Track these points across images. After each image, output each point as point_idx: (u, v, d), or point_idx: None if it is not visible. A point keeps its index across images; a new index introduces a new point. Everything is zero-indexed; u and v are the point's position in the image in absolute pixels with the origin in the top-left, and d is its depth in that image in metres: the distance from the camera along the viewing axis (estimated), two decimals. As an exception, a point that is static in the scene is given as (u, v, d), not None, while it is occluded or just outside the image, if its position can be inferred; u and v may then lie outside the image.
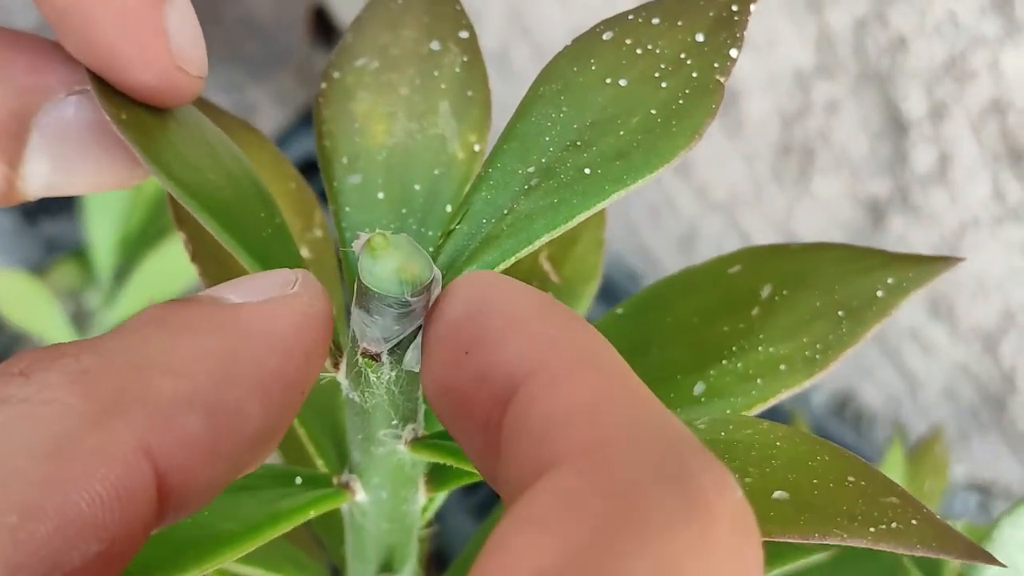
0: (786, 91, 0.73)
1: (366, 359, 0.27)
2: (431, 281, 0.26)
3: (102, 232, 0.86)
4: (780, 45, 0.71)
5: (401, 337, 0.26)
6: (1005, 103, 0.62)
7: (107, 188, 0.28)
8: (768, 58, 0.72)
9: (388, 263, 0.25)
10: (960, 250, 0.69)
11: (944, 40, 0.63)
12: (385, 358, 0.27)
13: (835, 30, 0.68)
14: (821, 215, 0.77)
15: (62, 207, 1.00)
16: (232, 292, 0.24)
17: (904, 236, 0.72)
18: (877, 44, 0.66)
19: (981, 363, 0.73)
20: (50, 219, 1.00)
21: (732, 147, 0.80)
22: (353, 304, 0.26)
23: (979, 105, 0.63)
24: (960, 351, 0.74)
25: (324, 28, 1.04)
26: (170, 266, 0.84)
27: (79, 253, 0.90)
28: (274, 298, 0.24)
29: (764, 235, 0.82)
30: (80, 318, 0.88)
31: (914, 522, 0.24)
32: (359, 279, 0.26)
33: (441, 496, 0.35)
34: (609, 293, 0.85)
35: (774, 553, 0.37)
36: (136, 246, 0.86)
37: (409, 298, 0.25)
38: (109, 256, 0.87)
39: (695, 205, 0.86)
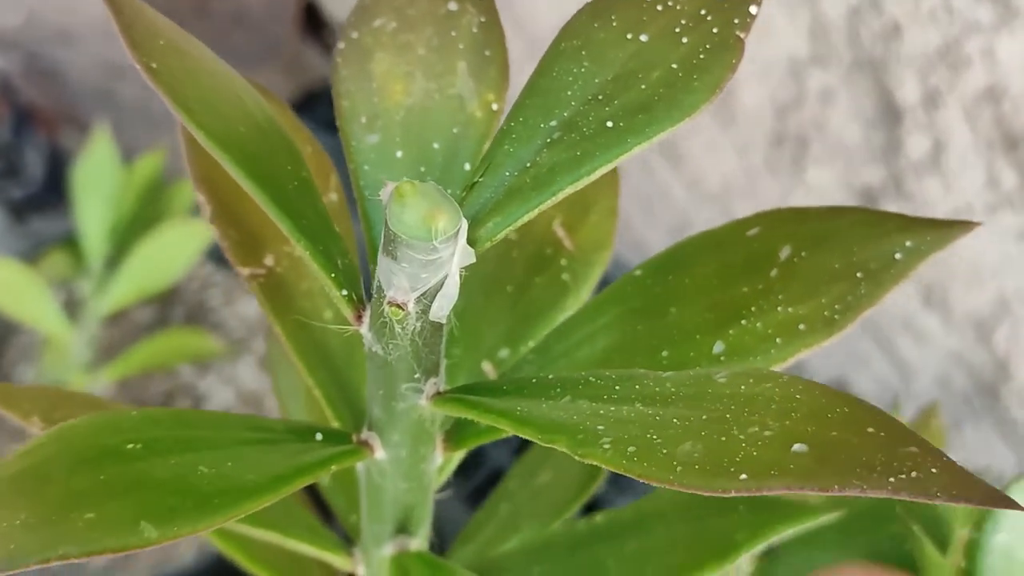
0: (779, 80, 0.74)
1: (393, 308, 0.27)
2: (458, 228, 0.26)
3: (93, 220, 0.86)
4: (773, 34, 0.71)
5: (428, 286, 0.27)
6: (999, 90, 0.62)
7: None
8: (761, 47, 0.73)
9: (416, 209, 0.25)
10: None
11: (938, 27, 0.63)
12: (412, 307, 0.27)
13: (829, 18, 0.69)
14: (815, 204, 0.77)
15: (52, 204, 0.99)
16: None
17: (897, 224, 0.72)
18: (871, 31, 0.67)
19: (975, 351, 0.73)
20: (39, 216, 1.00)
21: (725, 137, 0.80)
22: (380, 253, 0.27)
23: (973, 92, 0.64)
24: (953, 339, 0.74)
25: (314, 22, 1.04)
26: (162, 253, 0.83)
27: (70, 242, 0.90)
28: None
29: (757, 224, 0.82)
30: (72, 307, 0.88)
31: (934, 471, 0.24)
32: (387, 226, 0.26)
33: (458, 457, 0.35)
34: (602, 285, 0.85)
35: (785, 513, 0.37)
36: (127, 234, 0.86)
37: (437, 244, 0.26)
38: (100, 244, 0.86)
39: (688, 196, 0.86)
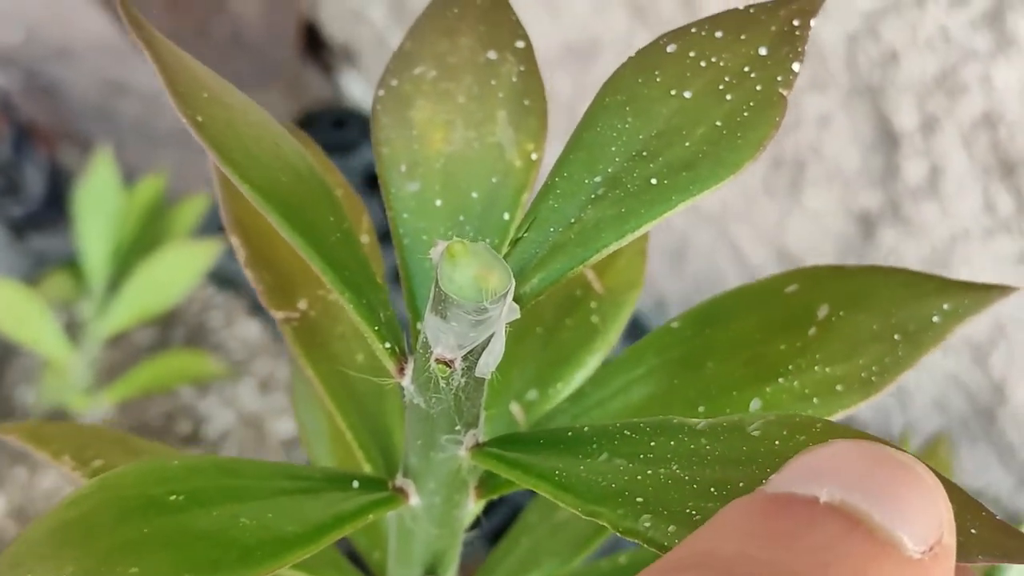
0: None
1: (440, 365, 0.27)
2: (508, 289, 0.26)
3: (94, 242, 0.86)
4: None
5: (475, 344, 0.27)
6: (996, 116, 0.63)
7: None
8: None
9: (467, 270, 0.26)
10: (950, 263, 0.70)
11: (936, 54, 0.64)
12: (458, 364, 0.27)
13: (827, 44, 0.69)
14: (812, 228, 0.78)
15: (52, 221, 0.99)
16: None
17: (895, 249, 0.73)
18: (869, 58, 0.67)
19: (971, 374, 0.74)
20: (39, 234, 0.99)
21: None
22: (428, 311, 0.27)
23: (970, 118, 0.64)
24: (950, 362, 0.75)
25: (314, 43, 1.04)
26: (163, 275, 0.83)
27: (71, 264, 0.90)
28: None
29: (755, 249, 0.82)
30: (73, 328, 0.88)
31: (973, 531, 0.23)
32: (437, 286, 0.26)
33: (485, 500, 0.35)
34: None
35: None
36: (129, 256, 0.86)
37: (487, 305, 0.26)
38: (102, 266, 0.86)
39: (685, 218, 0.87)
